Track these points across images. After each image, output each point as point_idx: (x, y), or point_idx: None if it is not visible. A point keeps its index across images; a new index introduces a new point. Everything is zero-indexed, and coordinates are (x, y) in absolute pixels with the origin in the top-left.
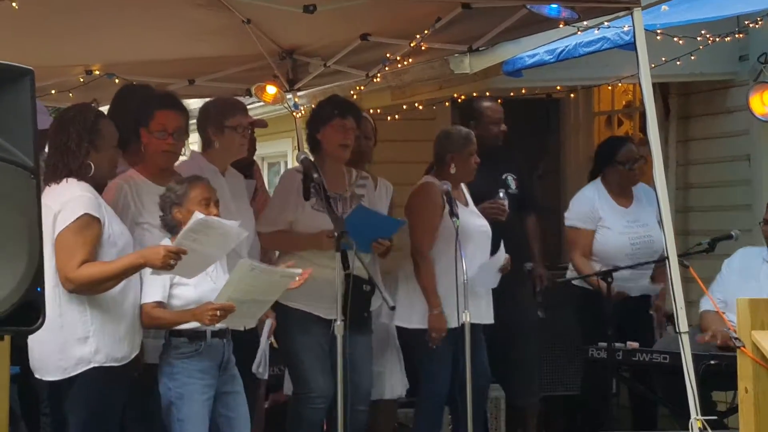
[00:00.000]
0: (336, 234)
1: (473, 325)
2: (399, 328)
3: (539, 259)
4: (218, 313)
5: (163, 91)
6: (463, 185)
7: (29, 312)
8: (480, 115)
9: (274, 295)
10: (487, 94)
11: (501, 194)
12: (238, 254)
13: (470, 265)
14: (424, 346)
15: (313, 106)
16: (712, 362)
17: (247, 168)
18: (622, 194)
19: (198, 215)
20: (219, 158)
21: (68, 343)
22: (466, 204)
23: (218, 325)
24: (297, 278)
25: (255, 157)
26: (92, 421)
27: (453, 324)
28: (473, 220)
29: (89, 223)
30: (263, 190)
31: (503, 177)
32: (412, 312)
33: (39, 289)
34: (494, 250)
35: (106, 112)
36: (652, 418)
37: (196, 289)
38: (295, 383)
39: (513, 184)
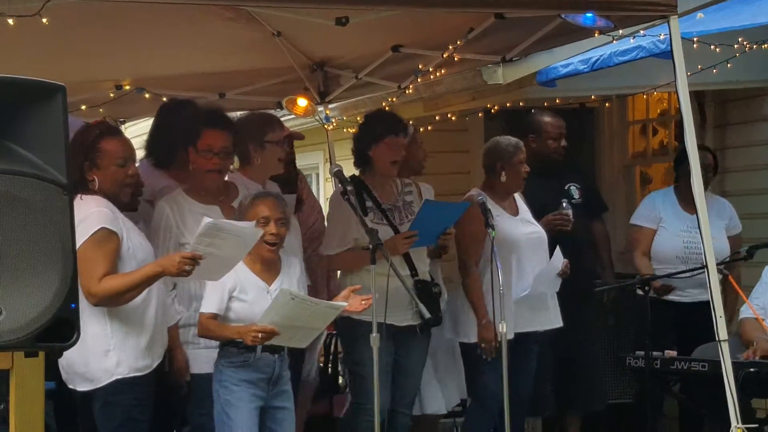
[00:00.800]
0: (371, 246)
1: (531, 335)
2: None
3: (607, 265)
4: (260, 335)
5: (210, 107)
6: (517, 194)
7: (64, 328)
8: (540, 130)
9: (322, 323)
10: (521, 104)
11: (564, 204)
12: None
13: (522, 274)
14: (477, 356)
15: (345, 118)
16: (752, 369)
17: (293, 181)
18: (690, 202)
19: (206, 219)
20: (259, 174)
21: (90, 356)
22: (516, 213)
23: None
24: (345, 307)
25: None
26: (120, 430)
27: (510, 335)
28: (519, 229)
29: (107, 237)
30: (310, 198)
31: (566, 187)
32: (471, 326)
33: (73, 305)
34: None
35: (138, 127)
36: (699, 428)
37: (252, 306)
38: (355, 393)
39: (576, 194)
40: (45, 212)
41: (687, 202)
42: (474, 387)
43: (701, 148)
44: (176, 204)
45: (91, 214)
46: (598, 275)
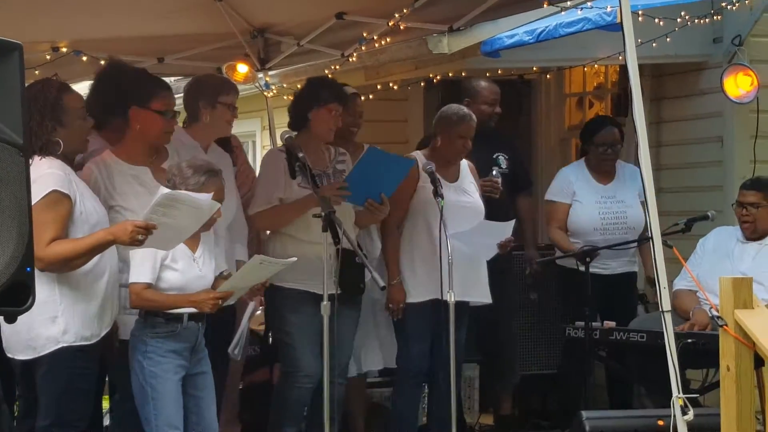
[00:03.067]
0: (323, 214)
1: (460, 303)
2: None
3: (531, 241)
4: (219, 301)
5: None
6: (465, 162)
7: (19, 292)
8: (475, 94)
9: (263, 279)
10: (463, 74)
11: (494, 172)
12: (216, 233)
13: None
14: (401, 322)
15: (285, 85)
16: (689, 341)
17: (225, 144)
18: (602, 172)
19: (163, 189)
20: (204, 134)
21: (36, 323)
22: (454, 180)
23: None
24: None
25: None
26: (63, 400)
27: (425, 297)
28: (456, 197)
29: (58, 200)
30: (246, 166)
31: (494, 156)
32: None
33: (29, 269)
34: None
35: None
36: (628, 396)
37: (183, 275)
38: (284, 362)
39: (504, 164)
40: (0, 173)
41: (599, 173)
42: (400, 358)
43: (610, 122)
44: (104, 165)
45: (43, 175)
46: (518, 249)
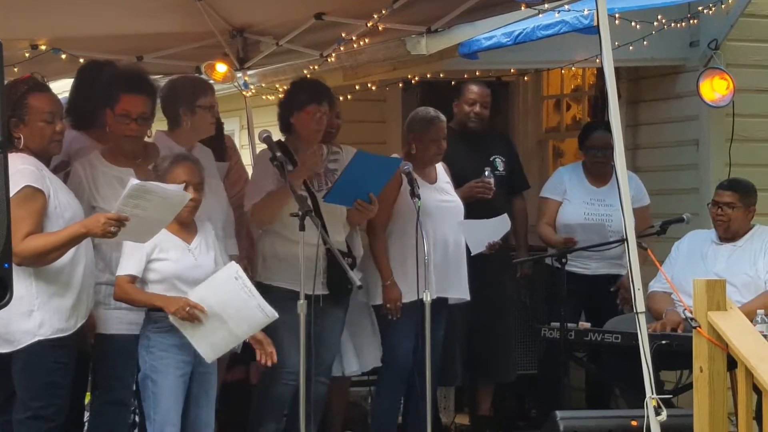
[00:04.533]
0: (300, 213)
1: (441, 302)
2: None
3: (524, 244)
4: (195, 311)
5: (130, 70)
6: (440, 164)
7: None
8: (460, 95)
9: (244, 331)
10: (441, 76)
11: (487, 173)
12: (223, 230)
13: (434, 241)
14: (386, 319)
15: (264, 85)
16: (663, 342)
17: (221, 148)
18: (597, 176)
19: (133, 180)
20: (186, 138)
21: (12, 317)
22: (433, 182)
23: None
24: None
25: None
26: (41, 393)
27: (414, 298)
28: (434, 196)
29: (32, 195)
30: (239, 167)
31: (492, 158)
32: (376, 288)
33: (6, 265)
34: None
35: (53, 88)
36: (606, 398)
37: (176, 264)
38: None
39: (501, 166)
40: None
41: (593, 175)
42: (384, 348)
43: (603, 126)
44: (90, 166)
45: (16, 171)
46: (513, 250)
